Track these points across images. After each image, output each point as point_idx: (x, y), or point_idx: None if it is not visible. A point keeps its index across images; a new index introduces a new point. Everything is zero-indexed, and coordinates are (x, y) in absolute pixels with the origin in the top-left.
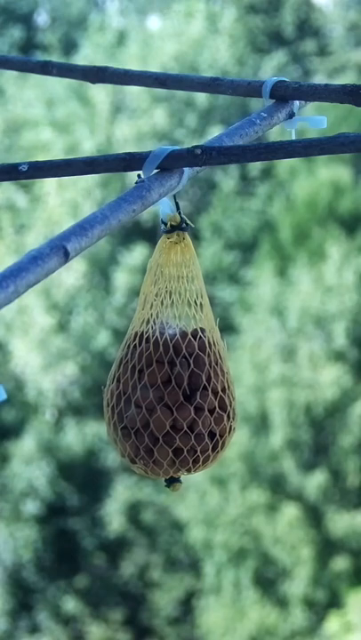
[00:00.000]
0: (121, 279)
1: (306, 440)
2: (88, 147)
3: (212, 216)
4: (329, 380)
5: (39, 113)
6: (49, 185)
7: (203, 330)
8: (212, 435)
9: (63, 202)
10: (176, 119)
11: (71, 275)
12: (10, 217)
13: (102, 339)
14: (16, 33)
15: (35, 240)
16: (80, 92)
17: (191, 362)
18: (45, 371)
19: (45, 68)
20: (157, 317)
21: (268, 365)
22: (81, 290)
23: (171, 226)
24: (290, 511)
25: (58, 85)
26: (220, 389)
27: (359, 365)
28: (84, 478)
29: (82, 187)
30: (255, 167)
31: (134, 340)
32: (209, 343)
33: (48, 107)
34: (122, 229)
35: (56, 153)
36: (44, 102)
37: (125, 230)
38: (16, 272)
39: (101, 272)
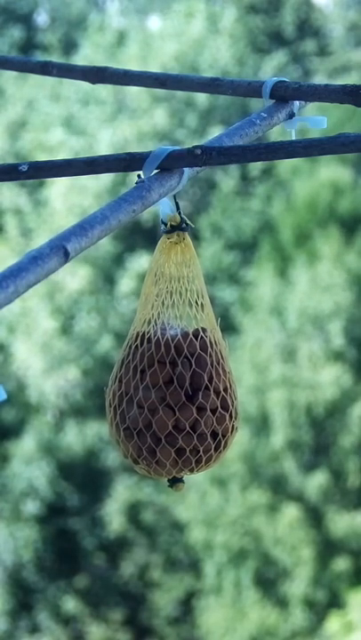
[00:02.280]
0: (125, 284)
1: (306, 440)
2: (89, 147)
3: (211, 216)
4: (329, 380)
5: (40, 113)
6: (56, 188)
7: (204, 330)
8: (214, 434)
9: (71, 206)
10: (176, 119)
11: (75, 279)
12: (15, 220)
13: (105, 343)
14: (16, 33)
15: (40, 243)
16: (81, 92)
17: (193, 362)
18: (47, 374)
19: (45, 69)
20: (158, 318)
21: (269, 366)
22: (84, 294)
23: (171, 226)
24: (290, 511)
25: (59, 85)
26: (221, 389)
27: (359, 365)
28: (85, 478)
29: (89, 190)
30: (255, 167)
31: (136, 340)
32: (210, 343)
33: (49, 107)
34: (124, 232)
35: (59, 153)
36: (44, 102)
37: (128, 232)
38: (16, 272)
39: (105, 276)
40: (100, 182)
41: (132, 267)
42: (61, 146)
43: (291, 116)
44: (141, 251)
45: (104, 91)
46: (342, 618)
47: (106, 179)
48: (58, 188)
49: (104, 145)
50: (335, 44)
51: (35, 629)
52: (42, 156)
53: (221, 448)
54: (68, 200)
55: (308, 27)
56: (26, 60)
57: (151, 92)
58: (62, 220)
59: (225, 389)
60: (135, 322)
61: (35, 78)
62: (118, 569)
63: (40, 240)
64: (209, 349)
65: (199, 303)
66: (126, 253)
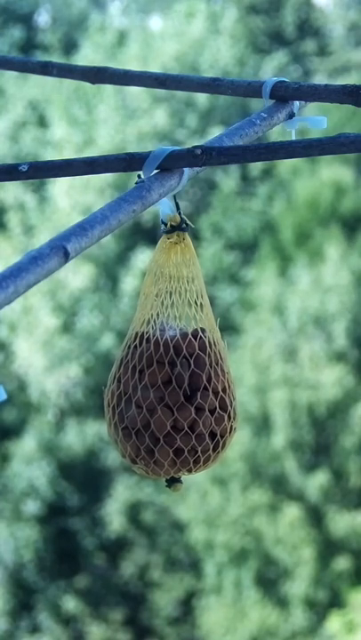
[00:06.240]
0: (128, 282)
1: (308, 440)
2: (91, 147)
3: (212, 216)
4: (331, 380)
5: (41, 113)
6: (59, 186)
7: (203, 330)
8: (212, 435)
9: (74, 204)
10: (177, 119)
11: (77, 277)
12: (19, 217)
13: (107, 341)
14: (16, 33)
15: (43, 241)
16: (81, 92)
17: (192, 362)
18: (49, 372)
19: (45, 69)
20: (158, 318)
21: (270, 365)
22: (86, 292)
23: (171, 226)
24: (291, 511)
25: (59, 85)
26: (220, 389)
27: (360, 366)
28: (85, 478)
29: (93, 187)
30: (256, 167)
31: (135, 340)
32: (209, 343)
33: (50, 106)
34: (126, 231)
35: (62, 153)
36: (45, 102)
37: (131, 231)
38: (16, 272)
39: (108, 275)
40: (103, 177)
41: (135, 265)
42: (62, 146)
43: (291, 116)
44: (143, 248)
45: (105, 91)
46: (343, 617)
47: (110, 174)
48: (61, 185)
49: (99, 145)
50: (335, 44)
51: (35, 629)
52: (43, 156)
53: (220, 448)
54: (71, 197)
55: (308, 27)
56: (26, 61)
57: (151, 91)
58: (65, 217)
59: (223, 390)
60: (134, 321)
61: (35, 78)
62: (118, 569)
63: (43, 238)
64: (208, 350)
65: (198, 303)
66: (129, 251)
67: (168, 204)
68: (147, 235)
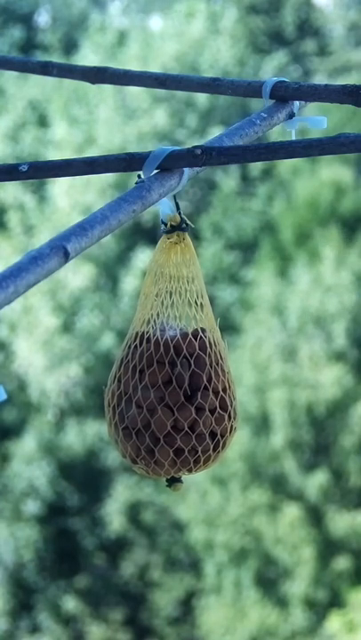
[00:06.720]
0: (128, 282)
1: (307, 440)
2: (91, 147)
3: (212, 216)
4: (330, 379)
5: (41, 113)
6: (59, 186)
7: (203, 330)
8: (213, 435)
9: (74, 204)
10: (177, 119)
11: (77, 276)
12: (19, 217)
13: (107, 340)
14: (16, 33)
15: (43, 241)
16: (81, 92)
17: (192, 362)
18: (49, 371)
19: (45, 69)
20: (158, 318)
21: (269, 365)
22: (86, 292)
23: (171, 226)
24: (291, 511)
25: (59, 85)
26: (220, 389)
27: (360, 365)
28: (85, 478)
29: (92, 188)
30: (256, 167)
31: (135, 340)
32: (210, 343)
33: (50, 106)
34: (126, 231)
35: (61, 153)
36: (45, 102)
37: (131, 231)
38: (16, 272)
39: (108, 275)
40: (103, 177)
41: (135, 265)
42: (62, 146)
43: (291, 116)
44: (143, 248)
45: (105, 91)
46: (343, 617)
47: (110, 174)
48: (61, 185)
49: (100, 145)
50: (335, 44)
51: (35, 629)
52: (43, 156)
53: (220, 448)
54: (71, 197)
55: (308, 27)
56: (26, 61)
57: (151, 91)
58: (65, 217)
59: (224, 390)
60: (134, 321)
61: (35, 78)
62: (118, 569)
63: (43, 238)
64: (208, 350)
65: (198, 303)
66: (129, 251)
67: (168, 203)
68: (147, 235)
